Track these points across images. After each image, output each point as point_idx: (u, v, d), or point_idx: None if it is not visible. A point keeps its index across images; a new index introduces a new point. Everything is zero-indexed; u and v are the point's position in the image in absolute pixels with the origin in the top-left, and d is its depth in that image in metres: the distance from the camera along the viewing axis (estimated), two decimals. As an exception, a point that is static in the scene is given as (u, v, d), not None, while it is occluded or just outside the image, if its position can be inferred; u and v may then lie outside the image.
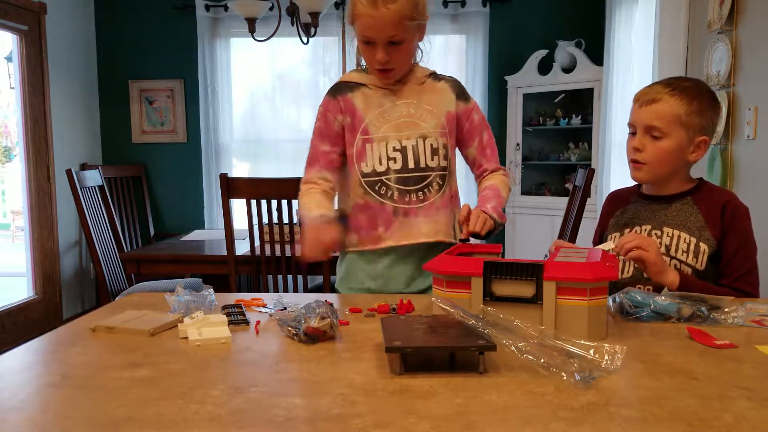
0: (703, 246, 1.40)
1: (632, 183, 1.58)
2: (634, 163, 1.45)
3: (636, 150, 1.43)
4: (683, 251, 1.41)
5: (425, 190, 1.56)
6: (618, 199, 1.60)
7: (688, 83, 1.43)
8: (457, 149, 1.65)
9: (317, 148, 1.60)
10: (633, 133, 1.46)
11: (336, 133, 1.58)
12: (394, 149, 1.54)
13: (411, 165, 1.54)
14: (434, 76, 1.62)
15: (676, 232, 1.43)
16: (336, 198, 1.64)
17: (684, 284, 1.33)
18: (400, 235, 1.56)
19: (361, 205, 1.57)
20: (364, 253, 1.61)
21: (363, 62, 1.60)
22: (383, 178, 1.54)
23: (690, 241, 1.41)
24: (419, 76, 1.60)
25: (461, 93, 1.62)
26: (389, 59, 1.49)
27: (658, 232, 1.45)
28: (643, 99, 1.42)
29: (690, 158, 1.44)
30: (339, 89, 1.60)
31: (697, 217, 1.42)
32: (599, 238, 1.62)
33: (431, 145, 1.55)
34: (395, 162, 1.54)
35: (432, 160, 1.55)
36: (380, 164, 1.54)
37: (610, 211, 1.59)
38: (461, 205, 1.52)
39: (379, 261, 1.60)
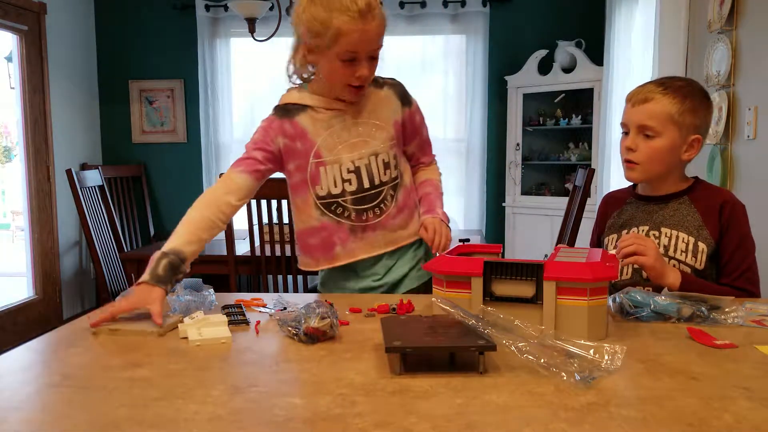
0: (701, 245, 1.40)
1: (629, 184, 1.58)
2: (627, 162, 1.45)
3: (629, 150, 1.43)
4: (682, 251, 1.41)
5: (381, 205, 1.54)
6: (614, 200, 1.60)
7: (681, 82, 1.43)
8: None
9: (249, 152, 1.52)
10: (626, 133, 1.45)
11: (270, 151, 1.52)
12: (348, 171, 1.51)
13: (366, 185, 1.52)
14: (375, 82, 1.55)
15: (674, 232, 1.42)
16: (219, 222, 1.45)
17: (685, 285, 1.32)
18: (358, 250, 1.55)
19: (316, 228, 1.55)
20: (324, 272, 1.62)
21: (295, 80, 1.54)
22: (339, 200, 1.52)
23: (688, 240, 1.41)
24: None
25: (404, 97, 1.58)
26: (370, 74, 1.44)
27: (656, 233, 1.44)
28: (635, 98, 1.42)
29: (683, 157, 1.44)
30: (287, 111, 1.53)
31: (695, 216, 1.42)
32: (596, 240, 1.62)
33: (383, 160, 1.53)
34: (350, 184, 1.51)
35: (384, 174, 1.53)
36: (335, 186, 1.51)
37: (606, 213, 1.59)
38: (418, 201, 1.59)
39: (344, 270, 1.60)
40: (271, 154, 1.52)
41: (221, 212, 1.44)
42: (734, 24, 2.66)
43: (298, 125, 1.51)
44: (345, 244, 1.54)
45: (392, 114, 1.55)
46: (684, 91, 1.40)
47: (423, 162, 1.68)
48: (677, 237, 1.42)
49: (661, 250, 1.41)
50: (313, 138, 1.51)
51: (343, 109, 1.51)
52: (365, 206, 1.53)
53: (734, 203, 1.43)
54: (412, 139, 1.62)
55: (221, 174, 2.66)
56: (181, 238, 1.35)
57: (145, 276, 1.27)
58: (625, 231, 1.49)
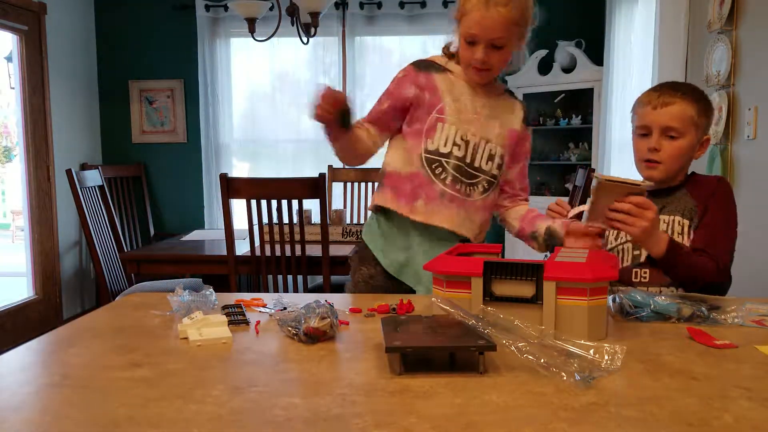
0: (694, 226, 1.48)
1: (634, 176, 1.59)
2: (648, 162, 1.51)
3: (653, 150, 1.48)
4: (678, 233, 1.49)
5: (471, 187, 1.59)
6: None
7: (689, 87, 1.52)
8: None
9: (381, 103, 1.63)
10: (644, 135, 1.51)
11: (402, 99, 1.60)
12: (461, 138, 1.57)
13: (468, 159, 1.58)
14: (510, 93, 1.69)
15: (671, 217, 1.50)
16: (368, 147, 1.64)
17: (669, 253, 1.39)
18: (436, 215, 1.58)
19: (413, 173, 1.59)
20: (394, 217, 1.63)
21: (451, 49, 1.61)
22: (443, 160, 1.57)
23: (683, 223, 1.49)
24: (498, 87, 1.65)
25: (527, 118, 1.68)
26: (488, 60, 1.51)
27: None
28: (656, 102, 1.48)
29: (695, 156, 1.53)
30: (425, 65, 1.62)
31: (690, 201, 1.51)
32: None
33: (490, 150, 1.59)
34: (459, 149, 1.57)
35: (486, 164, 1.60)
36: (445, 146, 1.57)
37: None
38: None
39: (409, 233, 1.62)
40: (402, 100, 1.60)
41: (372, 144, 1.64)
42: (734, 24, 2.66)
43: (432, 80, 1.59)
44: (429, 203, 1.58)
45: (513, 121, 1.64)
46: (696, 95, 1.49)
47: (519, 195, 1.71)
48: (674, 221, 1.50)
49: None
50: (443, 96, 1.58)
51: (474, 87, 1.59)
52: (461, 178, 1.58)
53: (723, 184, 1.53)
54: (515, 162, 1.68)
55: (221, 174, 2.68)
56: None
57: None
58: None
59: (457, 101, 1.58)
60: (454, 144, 1.57)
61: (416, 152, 1.59)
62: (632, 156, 1.58)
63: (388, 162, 1.66)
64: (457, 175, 1.57)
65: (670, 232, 1.47)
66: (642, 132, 1.52)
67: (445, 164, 1.57)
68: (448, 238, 1.59)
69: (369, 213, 1.71)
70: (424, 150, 1.58)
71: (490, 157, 1.60)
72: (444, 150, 1.57)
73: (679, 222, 1.49)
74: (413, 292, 1.59)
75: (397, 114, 1.62)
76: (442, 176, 1.57)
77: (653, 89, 1.53)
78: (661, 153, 1.48)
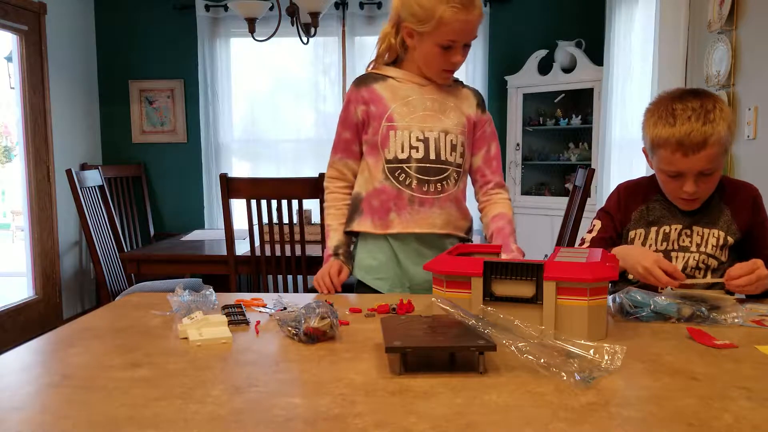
0: (729, 239, 1.45)
1: (629, 179, 1.57)
2: (685, 200, 1.44)
3: (689, 192, 1.40)
4: (713, 246, 1.46)
5: (444, 182, 1.58)
6: (637, 192, 1.56)
7: (705, 99, 1.39)
8: None
9: (340, 135, 1.65)
10: (674, 176, 1.41)
11: (356, 124, 1.62)
12: (417, 139, 1.57)
13: (432, 156, 1.57)
14: (459, 82, 1.67)
15: (706, 230, 1.47)
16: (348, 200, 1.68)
17: None
18: (411, 223, 1.58)
19: (378, 189, 1.59)
20: (375, 236, 1.62)
21: (382, 63, 1.62)
22: (404, 165, 1.57)
23: (719, 236, 1.46)
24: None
25: (481, 103, 1.68)
26: (463, 59, 1.54)
27: (688, 231, 1.48)
28: (687, 145, 1.35)
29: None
30: (364, 80, 1.63)
31: (725, 212, 1.47)
32: (617, 227, 1.55)
33: (451, 141, 1.59)
34: (417, 151, 1.56)
35: (451, 155, 1.59)
36: (402, 152, 1.57)
37: (629, 204, 1.55)
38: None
39: (387, 247, 1.61)
40: (357, 125, 1.63)
41: (346, 196, 1.67)
42: (734, 24, 2.66)
43: (375, 91, 1.60)
44: (401, 212, 1.57)
45: (467, 108, 1.64)
46: (718, 110, 1.36)
47: (490, 180, 1.67)
48: (709, 233, 1.46)
49: (693, 247, 1.46)
50: (389, 103, 1.58)
51: (422, 84, 1.59)
52: (429, 178, 1.57)
53: (758, 195, 1.49)
54: (479, 147, 1.66)
55: (221, 174, 2.68)
56: (337, 234, 1.66)
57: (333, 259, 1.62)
58: (655, 228, 1.50)
59: (405, 102, 1.58)
60: (411, 147, 1.56)
61: (378, 167, 1.59)
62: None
63: (356, 190, 1.66)
64: (422, 176, 1.56)
65: (704, 245, 1.45)
66: (671, 174, 1.41)
67: (407, 170, 1.56)
68: (436, 242, 1.59)
69: (351, 247, 1.69)
70: (384, 161, 1.58)
71: (453, 148, 1.59)
72: (402, 156, 1.56)
73: (714, 235, 1.45)
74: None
75: (360, 139, 1.64)
76: (407, 182, 1.56)
77: (678, 120, 1.36)
78: (699, 191, 1.41)
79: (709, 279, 1.43)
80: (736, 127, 1.45)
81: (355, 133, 1.63)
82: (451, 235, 1.62)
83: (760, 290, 1.33)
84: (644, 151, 1.51)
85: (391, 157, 1.57)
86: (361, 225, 1.62)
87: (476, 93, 1.69)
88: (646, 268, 1.33)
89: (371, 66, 1.65)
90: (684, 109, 1.37)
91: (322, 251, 1.66)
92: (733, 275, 1.32)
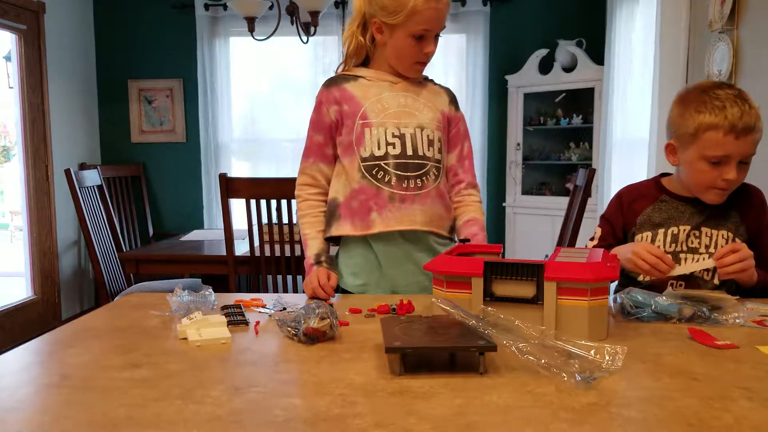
0: (738, 240, 1.44)
1: (631, 181, 1.56)
2: (719, 189, 1.40)
3: (730, 180, 1.38)
4: (722, 246, 1.44)
5: (423, 177, 1.55)
6: (640, 194, 1.55)
7: (734, 88, 1.41)
8: None
9: (312, 139, 1.61)
10: (716, 163, 1.37)
11: (329, 126, 1.59)
12: (393, 135, 1.54)
13: (410, 152, 1.55)
14: (430, 80, 1.66)
15: (714, 231, 1.46)
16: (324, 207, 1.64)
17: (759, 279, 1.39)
18: (393, 221, 1.54)
19: (356, 190, 1.55)
20: (355, 240, 1.58)
21: (352, 64, 1.61)
22: (381, 162, 1.54)
23: (728, 237, 1.45)
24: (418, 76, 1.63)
25: (454, 101, 1.67)
26: (434, 49, 1.54)
27: (697, 232, 1.47)
28: (739, 128, 1.33)
29: None
30: (334, 80, 1.61)
31: (733, 213, 1.47)
32: (618, 232, 1.55)
33: (428, 136, 1.56)
34: (394, 147, 1.54)
35: (428, 150, 1.56)
36: (379, 149, 1.54)
37: (633, 207, 1.53)
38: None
39: (368, 251, 1.58)
40: (330, 126, 1.59)
41: (321, 203, 1.63)
42: (735, 23, 2.66)
43: (347, 90, 1.58)
44: (382, 211, 1.53)
45: (441, 104, 1.63)
46: (751, 99, 1.40)
47: (462, 180, 1.66)
48: (717, 235, 1.46)
49: (702, 248, 1.45)
50: (361, 101, 1.56)
51: (394, 82, 1.58)
52: (408, 174, 1.54)
53: (765, 198, 1.50)
54: (453, 146, 1.65)
55: (220, 174, 2.68)
56: (316, 242, 1.60)
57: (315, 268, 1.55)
58: (663, 230, 1.48)
59: (378, 100, 1.56)
60: (388, 143, 1.54)
61: (353, 166, 1.55)
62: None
63: (331, 195, 1.61)
64: (401, 172, 1.54)
65: (713, 246, 1.44)
66: (716, 160, 1.37)
67: (384, 167, 1.53)
68: (420, 239, 1.56)
69: (333, 258, 1.64)
70: (360, 159, 1.54)
71: (430, 143, 1.56)
72: (379, 153, 1.54)
73: (723, 236, 1.45)
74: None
75: (334, 141, 1.60)
76: (386, 179, 1.53)
77: (716, 100, 1.36)
78: (737, 180, 1.39)
79: (700, 263, 1.40)
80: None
81: (329, 136, 1.59)
82: (435, 233, 1.58)
83: (748, 274, 1.34)
84: (669, 146, 1.47)
85: (367, 155, 1.54)
86: (340, 229, 1.57)
87: (448, 91, 1.68)
88: (634, 251, 1.36)
89: (340, 68, 1.63)
90: (726, 96, 1.38)
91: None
92: (722, 253, 1.33)
